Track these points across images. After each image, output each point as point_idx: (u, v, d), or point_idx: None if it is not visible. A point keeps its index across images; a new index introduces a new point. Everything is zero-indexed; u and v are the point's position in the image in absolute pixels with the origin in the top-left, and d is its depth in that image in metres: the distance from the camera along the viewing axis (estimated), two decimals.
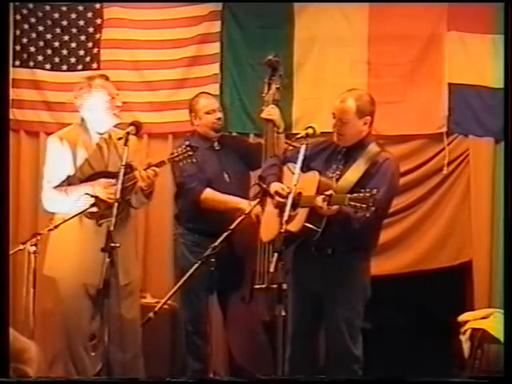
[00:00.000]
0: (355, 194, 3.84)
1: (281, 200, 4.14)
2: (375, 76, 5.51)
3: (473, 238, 5.40)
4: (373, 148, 4.25)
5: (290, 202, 3.92)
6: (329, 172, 4.22)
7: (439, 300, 5.35)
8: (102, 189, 4.43)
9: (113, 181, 4.37)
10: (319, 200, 3.95)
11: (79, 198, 4.44)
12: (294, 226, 4.08)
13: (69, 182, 4.54)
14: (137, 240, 5.69)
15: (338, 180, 4.15)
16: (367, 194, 3.79)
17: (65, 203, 4.52)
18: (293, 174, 4.04)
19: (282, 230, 3.82)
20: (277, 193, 4.21)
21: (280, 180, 4.30)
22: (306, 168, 4.10)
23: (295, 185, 3.93)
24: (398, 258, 5.47)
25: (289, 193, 3.99)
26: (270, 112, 5.01)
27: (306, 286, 4.24)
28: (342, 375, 4.15)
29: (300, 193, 4.07)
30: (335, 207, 3.96)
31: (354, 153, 4.24)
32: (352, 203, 3.83)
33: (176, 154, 4.36)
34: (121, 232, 4.41)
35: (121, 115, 4.64)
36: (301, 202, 4.09)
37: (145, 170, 4.38)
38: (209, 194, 5.01)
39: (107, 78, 4.65)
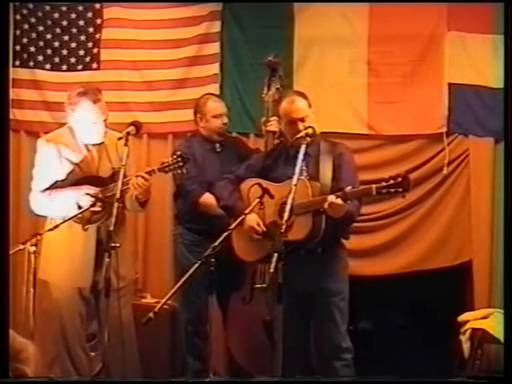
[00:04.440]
0: (383, 183, 3.82)
1: (256, 237, 4.18)
2: (375, 76, 5.51)
3: (473, 238, 5.39)
4: (325, 141, 4.33)
5: (289, 201, 3.90)
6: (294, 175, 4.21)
7: (439, 300, 5.35)
8: (85, 195, 4.43)
9: (96, 189, 4.41)
10: (332, 199, 3.95)
11: (64, 203, 4.46)
12: (296, 235, 4.08)
13: (56, 185, 4.54)
14: (136, 242, 5.69)
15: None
16: (399, 179, 3.78)
17: (49, 207, 4.56)
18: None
19: (282, 231, 3.81)
20: (252, 229, 4.23)
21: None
22: (271, 178, 4.16)
23: (295, 185, 3.91)
24: (398, 258, 5.47)
25: (284, 202, 3.99)
26: (277, 125, 5.01)
27: (300, 287, 4.22)
28: (335, 366, 4.20)
29: (285, 202, 4.01)
30: (346, 205, 3.96)
31: (310, 150, 4.22)
32: (383, 191, 3.82)
33: (166, 164, 4.34)
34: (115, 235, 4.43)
35: (108, 132, 4.61)
36: (294, 210, 4.01)
37: (135, 177, 4.38)
38: (207, 198, 4.99)
39: (98, 99, 4.57)
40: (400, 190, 3.79)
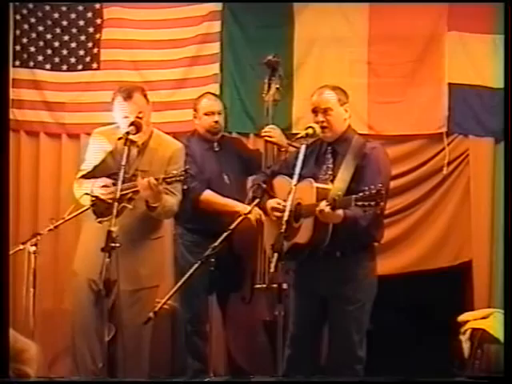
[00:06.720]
0: (360, 194, 3.74)
1: (279, 215, 4.08)
2: (375, 76, 5.52)
3: (473, 238, 5.40)
4: (357, 140, 4.23)
5: (289, 204, 3.90)
6: (321, 175, 4.19)
7: (439, 300, 5.34)
8: (101, 188, 4.42)
9: (111, 182, 4.40)
10: (323, 206, 3.89)
11: (83, 194, 4.48)
12: (301, 238, 4.06)
13: (86, 175, 4.56)
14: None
15: (332, 181, 4.11)
16: (373, 191, 3.71)
17: (77, 194, 4.58)
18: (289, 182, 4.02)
19: (282, 230, 3.81)
20: (274, 209, 4.18)
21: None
22: (298, 176, 4.02)
23: (295, 185, 3.92)
24: (398, 258, 5.47)
25: (285, 200, 3.98)
26: (271, 133, 4.96)
27: (314, 289, 4.20)
28: (344, 375, 4.15)
29: (299, 203, 4.05)
30: (340, 213, 3.91)
31: (340, 148, 4.21)
32: (359, 203, 3.74)
33: (171, 175, 4.32)
34: (131, 235, 4.44)
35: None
36: (302, 213, 4.05)
37: (140, 177, 4.37)
38: (208, 195, 4.99)
39: (129, 97, 4.55)
40: (372, 203, 3.71)
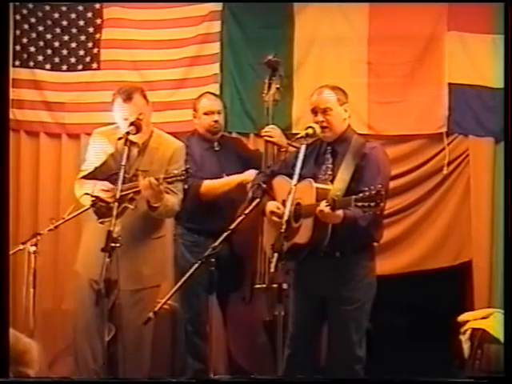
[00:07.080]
0: (360, 195, 3.75)
1: (277, 220, 4.09)
2: (375, 76, 5.52)
3: (473, 238, 5.40)
4: (357, 140, 4.23)
5: (289, 203, 3.91)
6: (321, 175, 4.19)
7: (439, 300, 5.34)
8: (102, 191, 4.42)
9: (112, 185, 4.40)
10: (322, 206, 3.90)
11: (83, 194, 4.48)
12: (301, 238, 4.06)
13: (87, 176, 4.55)
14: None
15: (332, 181, 4.11)
16: (373, 192, 3.71)
17: (78, 194, 4.58)
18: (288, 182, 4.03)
19: (282, 230, 3.81)
20: (272, 213, 4.19)
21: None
22: (298, 176, 4.02)
23: (295, 185, 3.92)
24: (398, 259, 5.47)
25: (285, 201, 3.99)
26: (271, 133, 4.97)
27: (314, 289, 4.20)
28: (343, 375, 4.15)
29: (299, 203, 4.06)
30: (339, 213, 3.91)
31: (339, 148, 4.21)
32: (359, 204, 3.75)
33: (172, 175, 4.33)
34: (132, 235, 4.45)
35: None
36: (302, 213, 4.06)
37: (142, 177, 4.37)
38: (208, 183, 5.00)
39: (129, 98, 4.53)
40: (372, 204, 3.72)
